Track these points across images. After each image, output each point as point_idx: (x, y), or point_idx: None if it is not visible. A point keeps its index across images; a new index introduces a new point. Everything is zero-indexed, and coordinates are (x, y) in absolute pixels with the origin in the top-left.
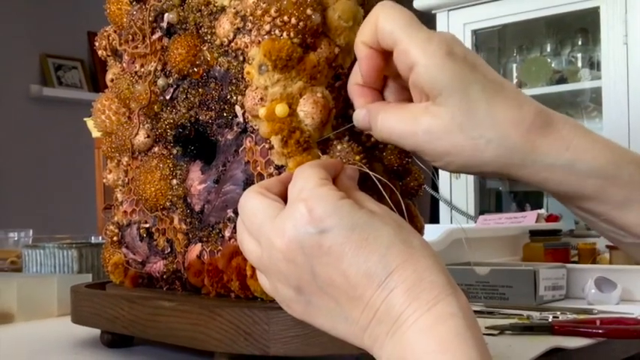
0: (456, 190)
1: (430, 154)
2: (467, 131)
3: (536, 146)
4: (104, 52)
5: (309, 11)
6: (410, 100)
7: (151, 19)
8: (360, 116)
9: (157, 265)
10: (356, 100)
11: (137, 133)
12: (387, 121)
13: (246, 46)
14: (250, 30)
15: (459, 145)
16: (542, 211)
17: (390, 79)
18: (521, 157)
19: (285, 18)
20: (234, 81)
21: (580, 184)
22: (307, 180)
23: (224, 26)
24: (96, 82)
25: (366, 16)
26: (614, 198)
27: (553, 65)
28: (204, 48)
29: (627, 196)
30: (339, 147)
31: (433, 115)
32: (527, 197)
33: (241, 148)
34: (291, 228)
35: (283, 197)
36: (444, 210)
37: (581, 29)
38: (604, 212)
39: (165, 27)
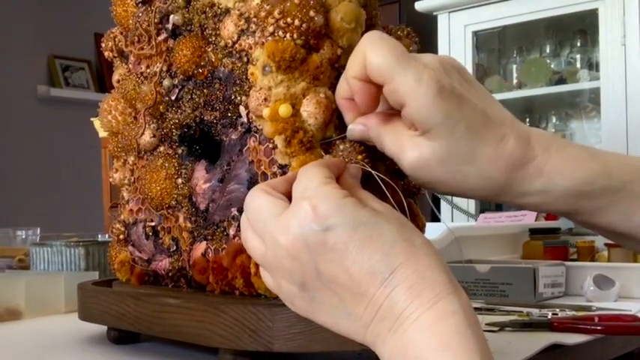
0: None
1: (417, 182)
2: (446, 166)
3: (512, 178)
4: (110, 54)
5: (312, 13)
6: None
7: (156, 20)
8: (355, 132)
9: (163, 263)
10: (347, 115)
11: (143, 133)
12: (382, 141)
13: (250, 48)
14: (254, 31)
15: (440, 177)
16: None
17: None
18: (499, 187)
19: (289, 20)
20: (238, 82)
21: (555, 202)
22: (311, 179)
23: (228, 28)
24: (102, 82)
25: (355, 47)
26: (588, 209)
27: (552, 66)
28: (209, 49)
29: (600, 205)
30: (341, 146)
31: (417, 147)
32: None
33: (245, 148)
34: (296, 226)
35: (288, 196)
36: (445, 209)
37: (579, 31)
38: (579, 219)
39: (170, 28)
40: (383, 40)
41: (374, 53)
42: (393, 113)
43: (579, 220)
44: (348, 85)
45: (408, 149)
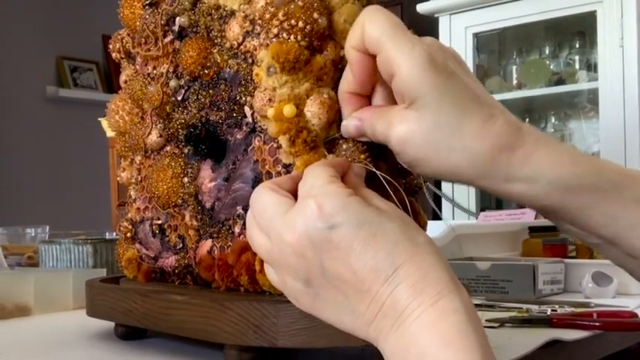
0: (458, 188)
1: (404, 160)
2: (432, 139)
3: (498, 159)
4: (118, 55)
5: (315, 15)
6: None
7: (163, 22)
8: (350, 127)
9: (169, 260)
10: (345, 109)
11: (150, 133)
12: (374, 129)
13: (255, 49)
14: (259, 33)
15: (425, 151)
16: None
17: (379, 84)
18: (483, 168)
19: (293, 21)
20: (243, 82)
21: (540, 195)
22: (317, 178)
23: (234, 29)
24: (110, 83)
25: (356, 19)
26: (574, 206)
27: (551, 67)
28: (215, 51)
29: (587, 204)
30: (344, 146)
31: (404, 120)
32: None
33: (250, 148)
34: (302, 223)
35: (293, 194)
36: (446, 207)
37: (578, 32)
38: (565, 218)
39: (176, 30)
40: (381, 13)
41: (372, 24)
42: (386, 106)
43: (565, 219)
44: (346, 55)
45: (396, 124)
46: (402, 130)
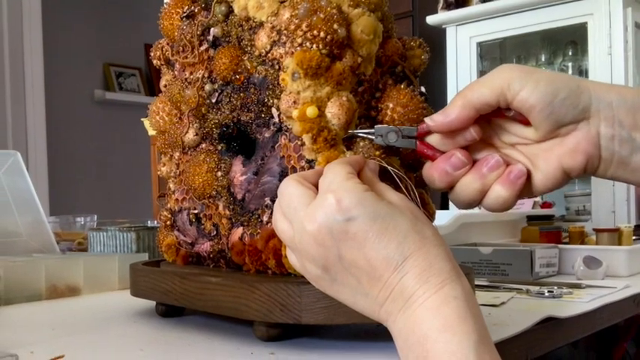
0: None
1: None
2: None
3: None
4: (158, 62)
5: (335, 26)
6: None
7: (198, 32)
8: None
9: (205, 246)
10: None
11: (187, 132)
12: None
13: (281, 57)
14: (285, 42)
15: None
16: (538, 199)
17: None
18: None
19: (315, 32)
20: (270, 86)
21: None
22: (336, 174)
23: (262, 39)
24: (152, 87)
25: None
26: None
27: None
28: (245, 58)
29: None
30: (361, 144)
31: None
32: None
33: (277, 145)
34: (322, 215)
35: (318, 187)
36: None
37: (571, 42)
38: None
39: (211, 40)
40: None
41: None
42: None
43: None
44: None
45: None
46: None
